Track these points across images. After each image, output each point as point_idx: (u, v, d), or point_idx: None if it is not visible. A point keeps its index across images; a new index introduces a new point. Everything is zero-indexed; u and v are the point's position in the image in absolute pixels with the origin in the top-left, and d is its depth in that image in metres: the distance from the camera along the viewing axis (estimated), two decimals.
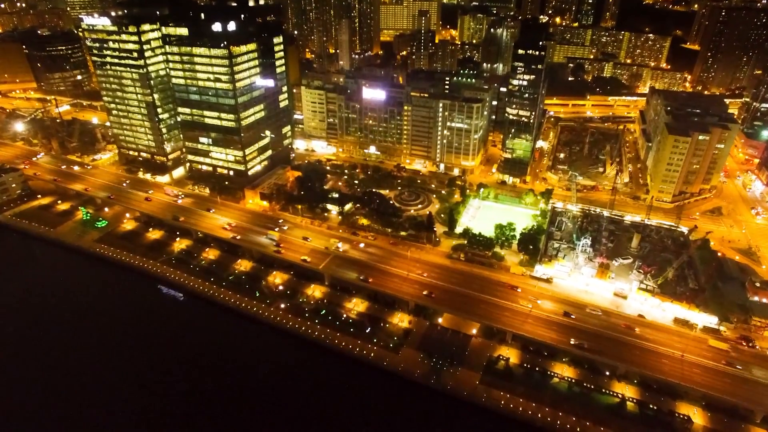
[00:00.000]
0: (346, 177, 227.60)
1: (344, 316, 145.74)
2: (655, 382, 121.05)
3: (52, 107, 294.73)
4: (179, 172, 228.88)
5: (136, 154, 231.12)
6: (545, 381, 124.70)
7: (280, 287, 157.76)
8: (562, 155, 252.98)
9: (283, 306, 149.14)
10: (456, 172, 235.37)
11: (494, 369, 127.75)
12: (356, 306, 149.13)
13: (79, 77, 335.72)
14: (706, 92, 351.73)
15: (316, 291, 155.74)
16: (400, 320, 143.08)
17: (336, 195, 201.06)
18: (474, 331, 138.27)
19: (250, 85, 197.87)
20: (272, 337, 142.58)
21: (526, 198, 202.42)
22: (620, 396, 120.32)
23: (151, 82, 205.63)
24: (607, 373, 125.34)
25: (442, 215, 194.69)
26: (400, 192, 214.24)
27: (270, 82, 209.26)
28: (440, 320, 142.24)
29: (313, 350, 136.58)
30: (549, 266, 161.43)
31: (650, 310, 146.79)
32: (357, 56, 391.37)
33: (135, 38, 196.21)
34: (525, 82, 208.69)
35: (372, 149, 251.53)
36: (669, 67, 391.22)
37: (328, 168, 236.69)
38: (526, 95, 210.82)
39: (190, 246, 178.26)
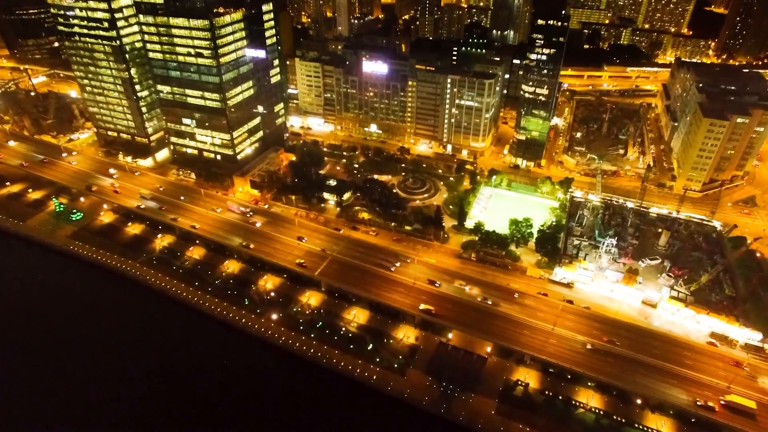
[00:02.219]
0: (344, 160, 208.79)
1: (343, 329, 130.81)
2: (693, 416, 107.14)
3: (25, 78, 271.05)
4: (164, 154, 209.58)
5: (115, 134, 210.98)
6: (569, 411, 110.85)
7: (272, 293, 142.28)
8: (578, 134, 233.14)
9: (275, 317, 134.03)
10: (464, 153, 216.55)
11: (512, 396, 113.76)
12: (356, 317, 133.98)
13: (56, 44, 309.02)
14: (732, 61, 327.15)
15: (311, 298, 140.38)
16: (406, 335, 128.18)
17: (333, 182, 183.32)
18: (489, 350, 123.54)
19: (236, 59, 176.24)
20: (263, 352, 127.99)
21: (542, 186, 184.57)
22: None
23: (127, 55, 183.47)
24: (639, 401, 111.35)
25: (451, 206, 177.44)
26: (404, 178, 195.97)
27: (260, 55, 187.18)
28: (450, 335, 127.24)
29: (309, 369, 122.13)
30: (570, 269, 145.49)
31: (683, 323, 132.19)
32: (356, 21, 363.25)
33: (104, 5, 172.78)
34: (544, 57, 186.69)
35: (373, 128, 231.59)
36: (691, 33, 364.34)
37: (325, 149, 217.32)
38: (545, 71, 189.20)
39: (173, 243, 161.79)
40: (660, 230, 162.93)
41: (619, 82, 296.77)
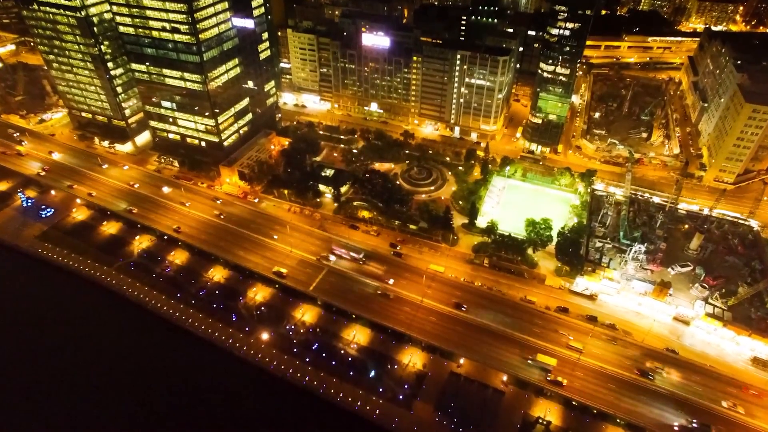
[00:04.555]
0: (342, 145, 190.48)
1: (342, 351, 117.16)
2: None
3: None
4: (144, 137, 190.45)
5: (90, 116, 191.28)
6: None
7: (263, 308, 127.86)
8: (597, 115, 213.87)
9: (265, 336, 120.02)
10: (474, 136, 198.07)
11: None
12: (356, 337, 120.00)
13: None
14: (762, 28, 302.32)
15: (306, 314, 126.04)
16: (412, 361, 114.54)
17: (330, 172, 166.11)
18: (504, 378, 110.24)
19: (219, 34, 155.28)
20: (252, 377, 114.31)
21: (560, 179, 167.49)
22: None
23: (95, 29, 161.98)
24: None
25: (461, 201, 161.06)
26: (409, 167, 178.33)
27: (246, 26, 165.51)
28: (462, 361, 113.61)
29: (304, 400, 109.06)
30: (593, 279, 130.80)
31: (720, 343, 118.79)
32: None
33: None
34: (566, 32, 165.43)
35: (373, 107, 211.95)
36: None
37: (321, 132, 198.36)
38: (567, 48, 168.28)
39: (153, 245, 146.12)
40: (686, 226, 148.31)
41: (640, 53, 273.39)
